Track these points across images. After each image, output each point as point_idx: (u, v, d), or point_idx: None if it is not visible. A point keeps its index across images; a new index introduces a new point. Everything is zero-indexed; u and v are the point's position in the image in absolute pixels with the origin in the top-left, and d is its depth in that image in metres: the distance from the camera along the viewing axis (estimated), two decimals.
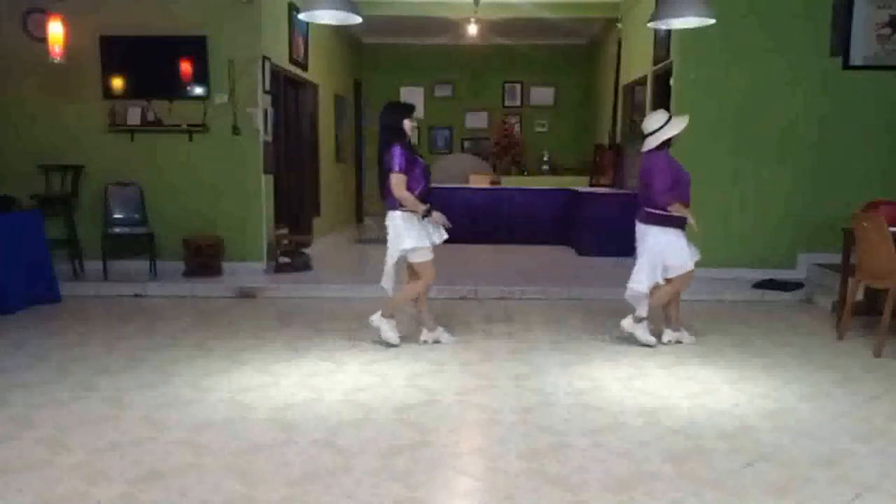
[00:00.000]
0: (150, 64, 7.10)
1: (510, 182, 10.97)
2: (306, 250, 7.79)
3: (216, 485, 2.85)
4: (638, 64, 8.89)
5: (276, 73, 7.76)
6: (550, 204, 9.90)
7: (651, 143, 4.76)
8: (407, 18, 10.67)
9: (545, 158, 12.61)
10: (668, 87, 7.35)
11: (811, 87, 7.02)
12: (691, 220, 4.72)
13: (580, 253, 8.85)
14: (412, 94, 12.84)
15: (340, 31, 10.78)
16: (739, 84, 7.04)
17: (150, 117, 7.08)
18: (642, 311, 4.89)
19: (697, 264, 4.93)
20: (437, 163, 12.08)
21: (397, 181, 4.53)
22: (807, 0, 6.96)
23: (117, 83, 7.09)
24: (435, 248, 4.80)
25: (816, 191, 7.11)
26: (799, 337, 5.27)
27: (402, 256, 4.71)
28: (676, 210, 4.68)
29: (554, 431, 3.42)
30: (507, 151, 12.30)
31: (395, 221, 4.64)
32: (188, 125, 7.07)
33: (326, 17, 5.30)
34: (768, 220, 7.18)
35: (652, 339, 4.91)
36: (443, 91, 13.37)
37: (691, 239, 4.89)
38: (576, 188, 9.79)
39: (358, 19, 5.27)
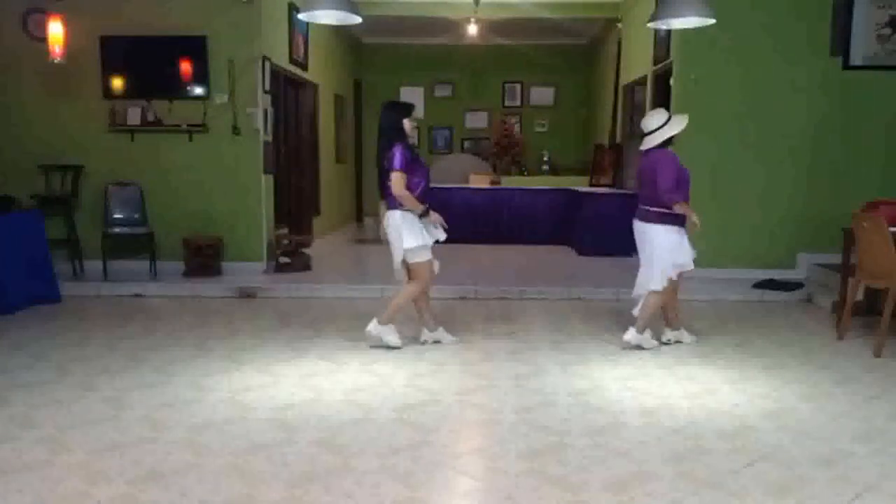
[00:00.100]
0: (150, 64, 7.10)
1: (510, 182, 10.98)
2: (306, 250, 7.80)
3: (216, 485, 2.85)
4: (638, 64, 8.89)
5: (276, 73, 7.76)
6: (550, 204, 9.90)
7: (652, 141, 4.74)
8: (407, 18, 10.67)
9: (545, 158, 12.62)
10: (668, 87, 7.35)
11: (811, 87, 7.03)
12: (695, 219, 4.71)
13: (580, 253, 8.85)
14: (412, 94, 12.84)
15: (340, 31, 10.78)
16: (739, 84, 7.04)
17: (150, 117, 7.08)
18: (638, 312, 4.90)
19: (697, 264, 4.92)
20: (437, 163, 12.09)
21: (397, 179, 4.53)
22: (807, 0, 6.96)
23: (117, 83, 7.09)
24: (435, 248, 4.80)
25: (816, 191, 7.11)
26: (799, 337, 5.27)
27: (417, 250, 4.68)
28: (682, 208, 4.68)
29: (554, 431, 3.42)
30: (507, 151, 12.31)
31: (395, 221, 4.63)
32: (188, 125, 7.07)
33: (326, 17, 5.30)
34: (768, 220, 7.18)
35: (654, 342, 4.91)
36: (443, 91, 13.38)
37: (692, 238, 4.89)
38: (576, 188, 9.79)
39: (358, 19, 5.27)
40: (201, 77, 7.03)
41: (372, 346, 4.80)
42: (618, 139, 9.91)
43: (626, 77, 9.58)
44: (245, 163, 7.19)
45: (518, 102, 13.40)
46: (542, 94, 13.36)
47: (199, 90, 7.07)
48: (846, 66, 6.98)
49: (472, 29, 10.49)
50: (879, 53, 6.97)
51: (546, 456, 3.14)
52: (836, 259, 6.07)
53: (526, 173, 12.13)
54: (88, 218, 7.13)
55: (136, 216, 7.06)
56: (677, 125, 4.73)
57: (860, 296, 5.43)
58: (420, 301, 4.89)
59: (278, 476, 2.93)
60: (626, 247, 5.00)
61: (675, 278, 4.83)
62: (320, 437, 3.34)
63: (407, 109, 4.73)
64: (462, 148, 13.45)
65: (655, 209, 4.71)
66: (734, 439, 3.35)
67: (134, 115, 7.06)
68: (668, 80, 7.38)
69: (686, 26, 5.54)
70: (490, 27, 11.10)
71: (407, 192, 4.57)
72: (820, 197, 7.09)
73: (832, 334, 5.28)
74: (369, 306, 5.69)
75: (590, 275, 7.33)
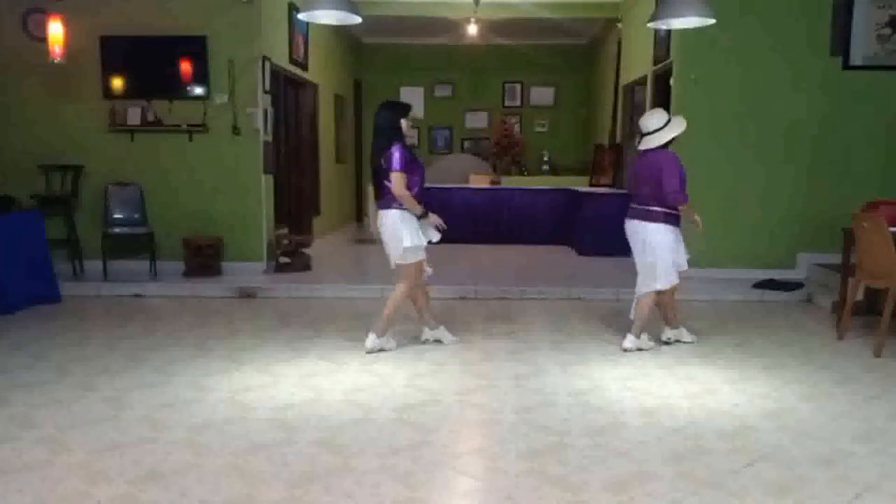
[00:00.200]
0: (150, 64, 7.10)
1: (510, 182, 10.98)
2: (306, 250, 7.80)
3: (216, 485, 2.85)
4: (638, 64, 8.89)
5: (276, 73, 7.76)
6: (550, 204, 9.90)
7: (653, 141, 4.73)
8: (407, 18, 10.67)
9: (545, 158, 12.62)
10: (668, 87, 7.35)
11: (811, 86, 7.03)
12: (697, 218, 4.72)
13: (580, 253, 8.85)
14: (412, 94, 12.85)
15: (340, 31, 10.78)
16: (739, 84, 7.04)
17: (150, 117, 7.08)
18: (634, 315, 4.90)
19: (697, 264, 4.92)
20: (437, 163, 12.10)
21: (398, 179, 4.52)
22: (807, 0, 6.96)
23: (117, 83, 7.09)
24: (435, 248, 4.79)
25: (816, 191, 7.11)
26: (799, 337, 5.27)
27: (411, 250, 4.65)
28: (687, 208, 4.68)
29: (554, 431, 3.42)
30: (507, 151, 12.31)
31: (393, 220, 4.60)
32: (188, 125, 7.07)
33: (326, 17, 5.30)
34: (768, 220, 7.18)
35: (652, 343, 4.91)
36: (443, 91, 13.37)
37: (693, 238, 4.89)
38: (576, 188, 9.79)
39: (358, 19, 5.27)
40: (201, 77, 7.03)
41: (367, 353, 4.74)
42: (618, 139, 9.91)
43: (626, 77, 9.58)
44: (245, 163, 7.19)
45: (518, 102, 13.40)
46: (542, 94, 13.36)
47: (199, 90, 7.06)
48: (846, 65, 6.98)
49: (472, 29, 10.48)
50: (879, 53, 6.97)
51: (546, 456, 3.14)
52: (836, 259, 6.07)
53: (526, 173, 12.13)
54: (88, 218, 7.13)
55: (136, 216, 7.06)
56: (678, 127, 4.73)
57: (860, 296, 5.43)
58: (420, 300, 4.88)
59: (278, 476, 2.93)
60: (626, 247, 4.98)
61: (676, 280, 4.83)
62: (320, 437, 3.34)
63: (405, 109, 4.72)
64: (462, 148, 13.45)
65: (659, 209, 4.69)
66: (734, 439, 3.35)
67: (134, 115, 7.06)
68: (668, 80, 7.38)
69: (686, 26, 5.54)
70: (490, 27, 11.10)
71: (407, 193, 4.56)
72: (820, 197, 7.09)
73: (832, 334, 5.28)
74: (369, 306, 5.69)
75: (590, 275, 7.33)
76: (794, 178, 7.12)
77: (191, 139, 7.14)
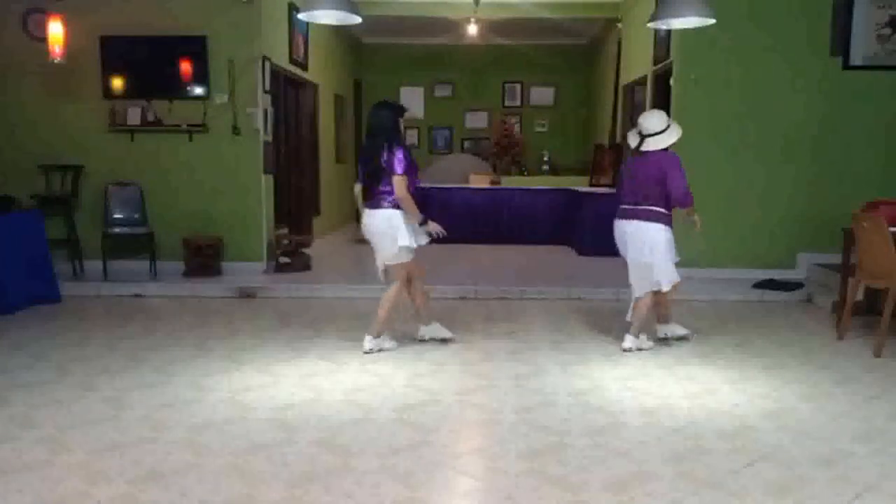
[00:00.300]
0: (150, 64, 7.10)
1: (510, 182, 10.97)
2: (306, 250, 7.80)
3: (216, 485, 2.85)
4: (638, 64, 8.89)
5: (276, 73, 7.76)
6: (550, 204, 9.89)
7: (657, 143, 4.71)
8: (407, 18, 10.67)
9: (545, 158, 12.62)
10: (668, 87, 7.35)
11: (811, 87, 7.03)
12: (696, 218, 4.73)
13: (580, 253, 8.85)
14: (412, 94, 12.86)
15: (340, 31, 10.78)
16: (739, 84, 7.04)
17: (150, 117, 7.08)
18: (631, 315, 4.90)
19: (697, 264, 4.92)
20: (437, 163, 12.11)
21: (400, 183, 4.50)
22: (807, 0, 6.96)
23: (117, 83, 7.09)
24: (435, 248, 4.79)
25: (816, 191, 7.11)
26: (799, 337, 5.27)
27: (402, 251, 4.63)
28: (690, 209, 4.71)
29: (554, 431, 3.42)
30: (507, 151, 12.31)
31: (387, 218, 4.56)
32: (188, 125, 7.07)
33: (326, 17, 5.30)
34: (768, 220, 7.18)
35: (651, 343, 4.92)
36: (443, 91, 13.38)
37: (693, 238, 4.89)
38: (576, 188, 9.79)
39: (358, 19, 5.26)
40: (201, 77, 7.03)
41: (365, 353, 4.73)
42: (618, 139, 9.90)
43: (626, 77, 9.58)
44: (245, 163, 7.19)
45: (518, 102, 13.40)
46: (542, 94, 13.36)
47: (199, 90, 7.06)
48: (846, 65, 6.98)
49: (472, 29, 10.49)
50: (879, 53, 6.96)
51: (546, 456, 3.14)
52: (836, 259, 6.07)
53: (526, 173, 12.13)
54: (88, 218, 7.13)
55: (136, 216, 7.06)
56: (676, 133, 4.73)
57: (860, 296, 5.43)
58: (418, 299, 4.88)
59: (278, 476, 2.93)
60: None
61: (678, 278, 4.83)
62: (320, 437, 3.34)
63: (402, 110, 4.71)
64: (462, 148, 13.45)
65: (660, 209, 4.69)
66: (734, 439, 3.35)
67: (134, 115, 7.06)
68: (668, 80, 7.38)
69: (686, 26, 5.54)
70: (490, 27, 11.10)
71: (409, 197, 4.54)
72: (820, 197, 7.09)
73: (832, 334, 5.28)
74: (369, 306, 5.68)
75: (590, 275, 7.33)
76: (794, 178, 7.12)
77: (191, 139, 7.14)
